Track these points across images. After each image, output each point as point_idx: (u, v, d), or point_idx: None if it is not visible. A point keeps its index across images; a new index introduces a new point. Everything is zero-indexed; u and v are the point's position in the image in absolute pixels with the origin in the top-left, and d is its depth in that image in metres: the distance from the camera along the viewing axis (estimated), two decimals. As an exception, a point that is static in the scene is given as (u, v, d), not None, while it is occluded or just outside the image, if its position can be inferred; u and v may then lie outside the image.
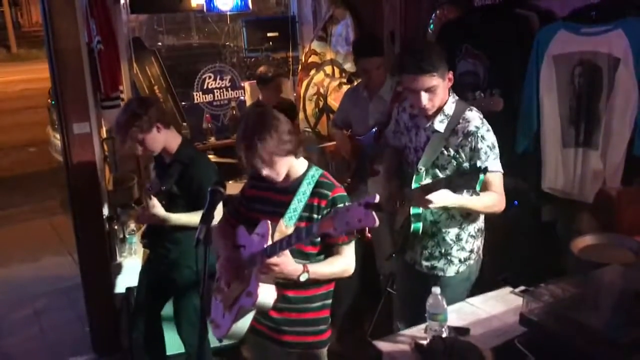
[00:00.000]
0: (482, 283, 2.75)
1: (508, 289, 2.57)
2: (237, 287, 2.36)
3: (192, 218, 2.96)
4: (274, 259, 2.18)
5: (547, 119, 3.25)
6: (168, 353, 3.53)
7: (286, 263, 2.19)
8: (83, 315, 4.19)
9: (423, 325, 2.26)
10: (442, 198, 2.36)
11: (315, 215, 2.29)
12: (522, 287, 2.48)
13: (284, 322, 2.38)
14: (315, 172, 2.37)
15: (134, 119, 2.96)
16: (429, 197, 2.35)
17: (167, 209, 3.07)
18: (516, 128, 3.37)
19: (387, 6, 4.44)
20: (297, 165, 2.37)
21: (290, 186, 2.36)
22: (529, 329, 2.02)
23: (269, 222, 2.28)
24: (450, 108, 2.58)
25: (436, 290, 2.20)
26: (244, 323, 2.35)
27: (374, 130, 3.65)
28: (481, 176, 2.18)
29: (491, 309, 2.42)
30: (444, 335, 2.16)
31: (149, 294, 3.34)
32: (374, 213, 1.86)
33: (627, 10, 2.91)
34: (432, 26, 4.11)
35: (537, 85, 3.25)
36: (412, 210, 2.57)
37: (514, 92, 3.39)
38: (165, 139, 3.09)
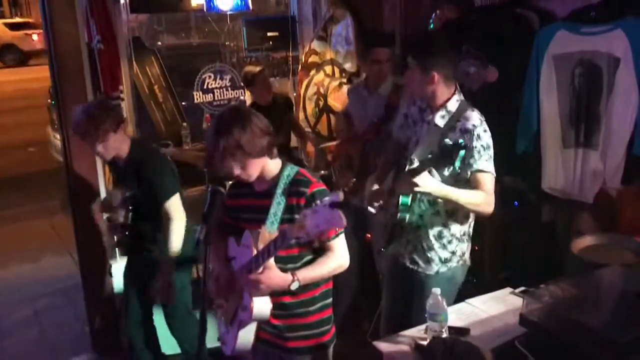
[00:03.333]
0: (482, 283, 2.75)
1: (508, 289, 2.57)
2: (234, 302, 2.34)
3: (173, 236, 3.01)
4: (257, 276, 2.15)
5: (547, 119, 3.25)
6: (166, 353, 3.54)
7: (271, 278, 2.16)
8: (83, 315, 4.19)
9: (423, 326, 2.26)
10: (426, 181, 2.39)
11: (296, 216, 2.18)
12: (522, 288, 2.47)
13: (286, 329, 2.36)
14: (291, 171, 2.30)
15: (108, 113, 2.96)
16: (415, 179, 2.37)
17: (136, 213, 3.11)
18: (516, 128, 3.37)
19: (387, 6, 4.44)
20: (271, 165, 2.30)
21: (268, 189, 2.30)
22: (529, 330, 2.02)
23: (250, 232, 2.24)
24: (453, 105, 2.59)
25: (436, 290, 2.20)
26: (248, 335, 2.33)
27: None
28: (461, 152, 2.22)
29: (491, 310, 2.42)
30: (444, 335, 2.16)
31: (138, 297, 3.32)
32: (340, 213, 1.82)
33: (627, 10, 2.91)
34: (432, 26, 4.11)
35: (537, 85, 3.25)
36: (401, 200, 2.57)
37: (514, 92, 3.39)
38: (120, 143, 3.04)
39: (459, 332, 2.24)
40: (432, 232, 2.67)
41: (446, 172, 2.53)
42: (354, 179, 3.72)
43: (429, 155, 2.38)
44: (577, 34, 3.05)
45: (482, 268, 2.80)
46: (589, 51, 3.00)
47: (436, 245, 2.68)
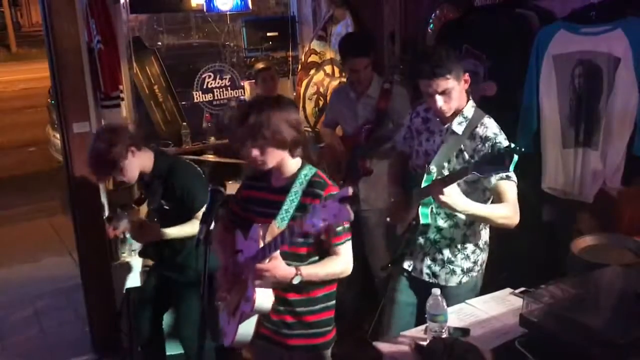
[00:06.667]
0: (482, 284, 2.74)
1: (508, 290, 2.56)
2: (237, 293, 2.36)
3: (184, 229, 2.98)
4: (264, 265, 2.17)
5: (547, 119, 3.25)
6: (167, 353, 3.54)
7: (277, 268, 2.19)
8: (83, 316, 4.19)
9: (423, 327, 2.26)
10: (453, 195, 2.30)
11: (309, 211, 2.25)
12: (522, 288, 2.47)
13: (286, 326, 2.38)
14: (309, 171, 2.33)
15: (109, 147, 2.89)
16: (444, 189, 2.28)
17: (162, 224, 3.07)
18: (516, 128, 3.37)
19: (387, 6, 4.44)
20: (290, 163, 2.33)
21: (284, 186, 2.33)
22: (529, 330, 2.02)
23: (259, 225, 2.27)
24: (469, 111, 2.55)
25: (436, 291, 2.20)
26: (248, 328, 2.34)
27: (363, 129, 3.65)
28: (515, 158, 2.05)
29: (491, 310, 2.41)
30: (444, 336, 2.16)
31: (155, 296, 3.33)
32: (348, 207, 1.83)
33: (627, 10, 2.91)
34: (432, 26, 4.11)
35: (537, 85, 3.25)
36: (421, 210, 2.53)
37: (514, 92, 3.39)
38: (140, 163, 3.02)
39: (459, 332, 2.24)
40: (454, 245, 2.62)
41: (493, 180, 2.43)
42: (342, 182, 3.72)
43: (473, 161, 2.27)
44: (577, 34, 3.05)
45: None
46: (589, 51, 3.00)
47: (459, 256, 2.63)
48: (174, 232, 3.05)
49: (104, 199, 4.08)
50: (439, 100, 2.47)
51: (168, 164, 3.09)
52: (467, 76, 2.52)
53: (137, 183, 3.32)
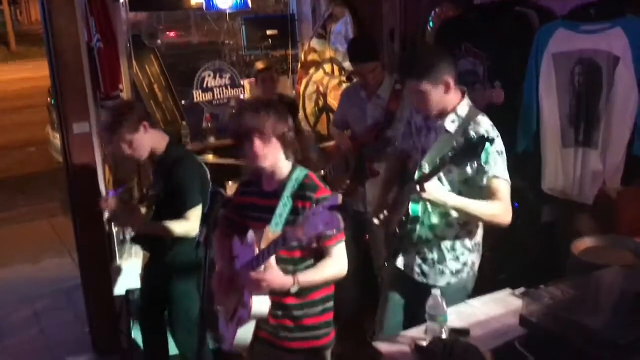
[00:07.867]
0: (483, 284, 2.74)
1: (508, 290, 2.56)
2: (234, 299, 2.36)
3: (170, 227, 2.95)
4: (261, 274, 2.17)
5: (547, 119, 3.24)
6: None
7: (274, 277, 2.19)
8: (83, 316, 4.19)
9: (423, 327, 2.26)
10: (434, 188, 2.36)
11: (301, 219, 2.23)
12: (522, 289, 2.47)
13: (286, 330, 2.38)
14: (300, 174, 2.34)
15: (121, 118, 2.91)
16: (426, 185, 2.34)
17: (158, 214, 3.05)
18: (516, 127, 3.36)
19: (386, 4, 4.44)
20: (283, 165, 2.34)
21: (276, 190, 2.33)
22: (529, 331, 2.01)
23: (254, 232, 2.27)
24: (463, 110, 2.54)
25: (436, 292, 2.19)
26: (246, 333, 2.34)
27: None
28: (487, 145, 2.13)
29: (491, 311, 2.41)
30: (444, 336, 2.16)
31: (149, 297, 3.33)
32: (339, 216, 1.86)
33: (626, 9, 2.90)
34: (431, 24, 4.11)
35: (537, 84, 3.24)
36: (411, 209, 2.53)
37: (514, 91, 3.39)
38: (152, 141, 3.02)
39: (459, 333, 2.23)
40: (445, 245, 2.62)
41: (469, 170, 2.45)
42: (348, 182, 3.71)
43: (450, 154, 2.29)
44: (576, 32, 3.05)
45: (482, 269, 2.79)
46: (588, 50, 3.00)
47: (449, 257, 2.63)
48: (158, 228, 3.01)
49: (104, 200, 4.07)
50: (415, 99, 2.54)
51: (179, 154, 3.07)
52: (449, 80, 2.46)
53: (148, 164, 3.29)
